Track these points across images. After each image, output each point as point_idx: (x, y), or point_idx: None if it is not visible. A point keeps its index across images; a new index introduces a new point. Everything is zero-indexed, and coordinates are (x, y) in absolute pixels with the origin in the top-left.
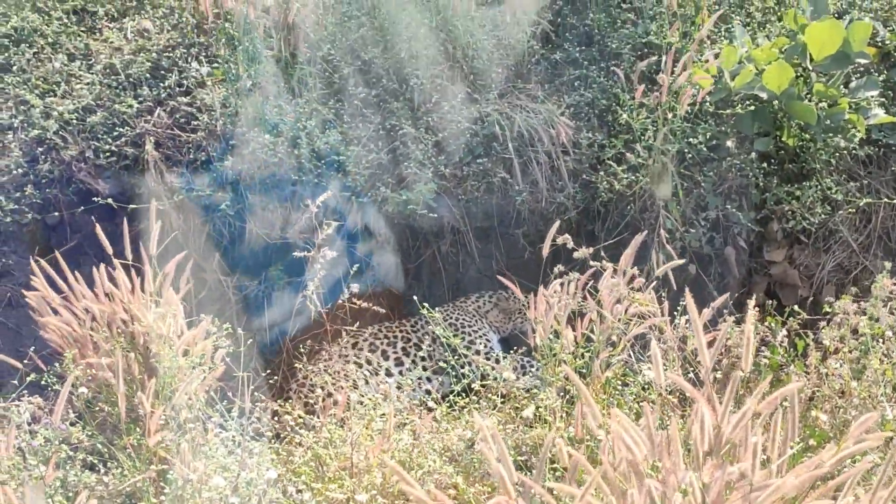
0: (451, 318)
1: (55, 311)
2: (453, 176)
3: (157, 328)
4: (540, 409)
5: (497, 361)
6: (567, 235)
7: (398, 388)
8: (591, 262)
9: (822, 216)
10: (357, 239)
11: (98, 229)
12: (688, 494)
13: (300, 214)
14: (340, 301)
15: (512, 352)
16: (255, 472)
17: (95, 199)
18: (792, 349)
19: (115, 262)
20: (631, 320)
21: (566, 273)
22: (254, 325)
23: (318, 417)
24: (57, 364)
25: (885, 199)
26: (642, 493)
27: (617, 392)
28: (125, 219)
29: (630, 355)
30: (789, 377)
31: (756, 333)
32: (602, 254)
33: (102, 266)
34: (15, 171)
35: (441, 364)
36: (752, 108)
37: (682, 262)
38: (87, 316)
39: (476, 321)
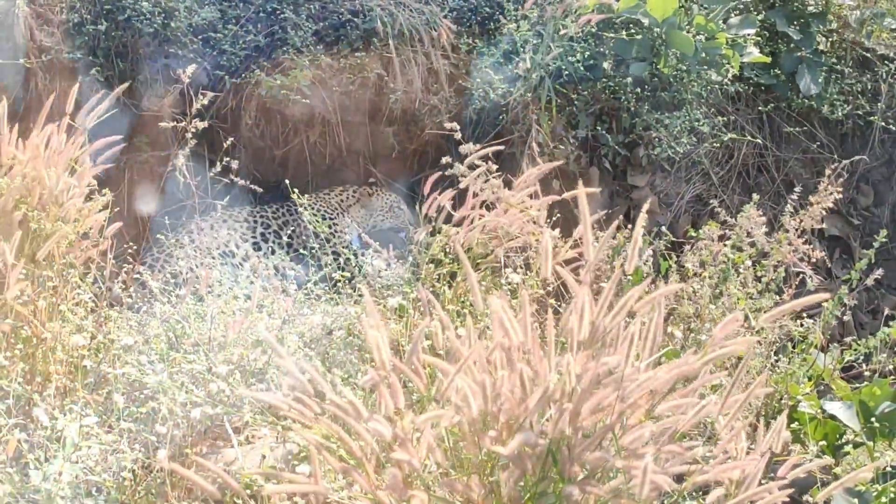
0: (313, 208)
1: None
2: (329, 67)
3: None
4: (403, 303)
5: (355, 255)
6: (455, 125)
7: (253, 272)
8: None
9: (688, 146)
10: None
11: None
12: (562, 376)
13: (171, 87)
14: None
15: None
16: (112, 336)
17: None
18: (654, 270)
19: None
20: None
21: (450, 166)
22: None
23: (178, 291)
24: None
25: (749, 137)
26: (513, 376)
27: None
28: None
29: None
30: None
31: (623, 249)
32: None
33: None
34: None
35: (301, 252)
36: (633, 32)
37: (560, 162)
38: None
39: (337, 214)
